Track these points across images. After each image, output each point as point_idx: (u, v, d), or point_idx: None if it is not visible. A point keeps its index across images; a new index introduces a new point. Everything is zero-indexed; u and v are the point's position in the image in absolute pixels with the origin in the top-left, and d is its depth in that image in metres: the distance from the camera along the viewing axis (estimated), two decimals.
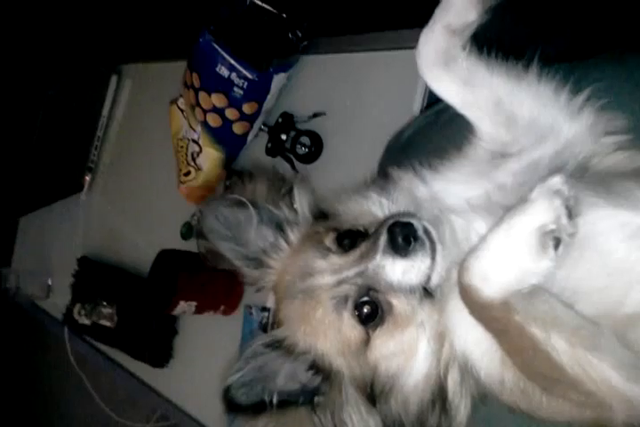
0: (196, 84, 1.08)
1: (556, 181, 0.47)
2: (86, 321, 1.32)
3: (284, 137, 1.09)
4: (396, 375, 0.57)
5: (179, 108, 1.27)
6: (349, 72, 1.06)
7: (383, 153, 0.78)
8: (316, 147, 1.04)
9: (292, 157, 1.07)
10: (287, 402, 0.58)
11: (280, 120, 1.10)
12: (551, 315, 0.48)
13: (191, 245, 1.27)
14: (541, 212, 0.46)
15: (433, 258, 0.55)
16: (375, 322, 0.57)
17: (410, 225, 0.55)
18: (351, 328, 0.57)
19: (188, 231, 1.29)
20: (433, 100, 0.92)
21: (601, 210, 0.52)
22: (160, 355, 1.24)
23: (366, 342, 0.57)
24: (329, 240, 0.60)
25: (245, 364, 0.58)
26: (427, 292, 0.56)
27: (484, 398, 0.56)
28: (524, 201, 0.47)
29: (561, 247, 0.46)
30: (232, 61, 1.01)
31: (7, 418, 2.18)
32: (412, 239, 0.54)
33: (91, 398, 1.71)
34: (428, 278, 0.55)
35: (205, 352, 1.22)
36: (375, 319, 0.57)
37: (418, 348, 0.57)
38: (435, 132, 0.71)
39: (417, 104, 0.94)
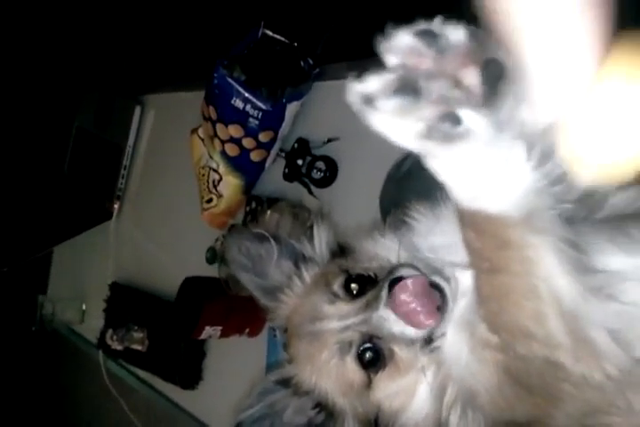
0: (213, 116, 1.12)
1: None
2: (119, 346, 1.36)
3: (300, 162, 1.12)
4: (398, 413, 0.59)
5: (199, 137, 1.31)
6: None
7: (383, 185, 0.80)
8: (331, 171, 1.07)
9: (308, 181, 1.10)
10: None
11: (296, 146, 1.13)
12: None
13: (216, 270, 1.31)
14: None
15: None
16: (377, 367, 0.59)
17: None
18: (354, 372, 0.59)
19: (213, 256, 1.33)
20: None
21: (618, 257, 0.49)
22: (190, 377, 1.27)
23: (368, 384, 0.59)
24: (337, 284, 0.61)
25: (257, 401, 0.62)
26: (429, 340, 0.57)
27: None
28: None
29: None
30: (246, 94, 1.06)
31: None
32: None
33: (128, 420, 1.75)
34: (429, 332, 0.56)
35: (233, 373, 1.25)
36: (377, 364, 0.59)
37: (418, 390, 0.58)
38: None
39: None
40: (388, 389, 0.59)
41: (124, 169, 1.67)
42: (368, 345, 0.58)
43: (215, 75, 1.06)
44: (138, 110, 1.67)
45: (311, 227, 0.67)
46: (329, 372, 0.60)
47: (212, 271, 1.31)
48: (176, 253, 1.47)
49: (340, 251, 0.66)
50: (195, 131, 1.34)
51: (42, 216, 1.75)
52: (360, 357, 0.58)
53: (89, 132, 1.82)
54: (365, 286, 0.60)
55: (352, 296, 0.60)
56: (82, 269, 1.83)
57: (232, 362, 1.23)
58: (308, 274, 0.65)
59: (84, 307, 1.77)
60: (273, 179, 1.21)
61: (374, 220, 0.69)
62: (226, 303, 1.11)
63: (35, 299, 1.82)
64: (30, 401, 2.26)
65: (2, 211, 1.70)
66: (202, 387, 1.31)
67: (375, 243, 0.63)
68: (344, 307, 0.60)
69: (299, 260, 0.66)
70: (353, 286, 0.61)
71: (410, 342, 0.56)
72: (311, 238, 0.67)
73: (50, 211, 1.76)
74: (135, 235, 1.63)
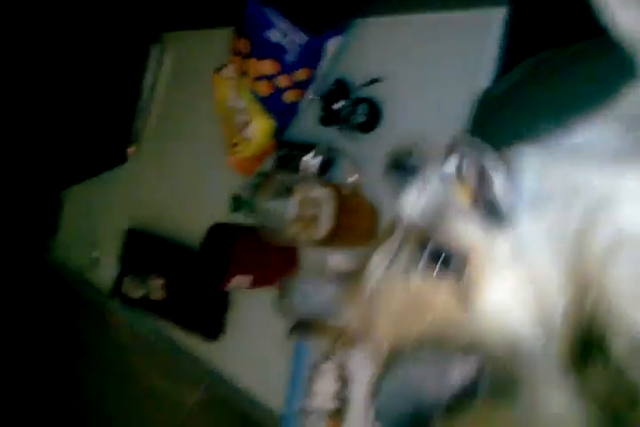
0: (245, 50, 1.03)
1: None
2: (136, 294, 1.31)
3: (338, 105, 1.04)
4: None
5: (224, 76, 1.22)
6: (410, 35, 1.00)
7: (470, 114, 0.70)
8: (374, 115, 0.99)
9: (347, 126, 1.02)
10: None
11: (334, 87, 1.05)
12: None
13: (239, 218, 1.25)
14: None
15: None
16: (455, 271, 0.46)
17: None
18: (432, 293, 0.46)
19: (237, 204, 1.26)
20: (503, 66, 0.86)
21: None
22: (212, 329, 1.22)
23: (461, 300, 0.45)
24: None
25: None
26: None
27: None
28: None
29: None
30: (283, 26, 0.96)
31: (52, 389, 2.23)
32: None
33: (137, 371, 1.72)
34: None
35: (258, 326, 1.20)
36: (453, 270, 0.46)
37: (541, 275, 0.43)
38: (536, 87, 0.58)
39: (485, 71, 0.88)
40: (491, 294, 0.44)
41: (141, 111, 1.58)
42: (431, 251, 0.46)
43: (249, 3, 0.97)
44: (156, 48, 1.57)
45: None
46: (407, 310, 0.47)
47: (235, 219, 1.25)
48: (196, 200, 1.40)
49: None
50: (219, 70, 1.24)
51: (53, 158, 1.67)
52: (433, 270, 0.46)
53: (103, 71, 1.72)
54: None
55: None
56: (95, 214, 1.76)
57: (258, 314, 1.18)
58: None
59: (95, 253, 1.71)
60: (307, 123, 1.13)
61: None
62: (257, 252, 1.05)
63: (45, 243, 1.77)
64: (33, 347, 2.24)
65: (14, 148, 1.63)
66: (223, 340, 1.27)
67: None
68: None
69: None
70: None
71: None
72: None
73: (61, 153, 1.69)
74: (152, 180, 1.56)
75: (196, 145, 1.44)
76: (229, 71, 1.19)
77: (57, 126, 1.74)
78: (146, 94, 1.57)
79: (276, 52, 0.99)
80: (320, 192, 0.89)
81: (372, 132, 1.01)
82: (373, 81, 1.00)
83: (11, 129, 1.65)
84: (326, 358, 1.03)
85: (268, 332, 1.17)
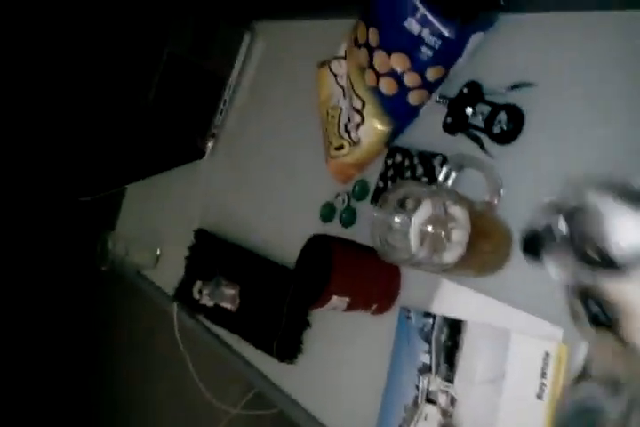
0: (374, 41, 0.90)
1: None
2: (209, 302, 1.19)
3: (469, 111, 0.90)
4: None
5: (331, 72, 1.11)
6: (563, 35, 0.86)
7: None
8: (516, 125, 0.86)
9: (481, 135, 0.89)
10: None
11: (465, 90, 0.92)
12: None
13: (330, 229, 1.13)
14: None
15: None
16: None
17: None
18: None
19: (329, 213, 1.14)
20: None
21: None
22: (288, 348, 1.10)
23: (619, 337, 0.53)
24: None
25: None
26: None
27: None
28: None
29: None
30: (427, 14, 0.83)
31: (101, 387, 2.14)
32: None
33: (190, 377, 1.61)
34: None
35: (341, 352, 1.07)
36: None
37: None
38: None
39: None
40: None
41: (224, 104, 1.47)
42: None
43: None
44: (247, 38, 1.46)
45: None
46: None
47: (325, 230, 1.12)
48: (280, 206, 1.28)
49: None
50: (325, 64, 1.13)
51: (125, 147, 1.57)
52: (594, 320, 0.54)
53: (184, 60, 1.62)
54: None
55: None
56: (159, 210, 1.66)
57: (343, 339, 1.05)
58: None
59: (158, 251, 1.61)
60: (425, 128, 1.00)
61: None
62: (357, 271, 0.92)
63: (104, 236, 1.67)
64: (85, 340, 2.16)
65: (83, 137, 1.54)
66: (297, 361, 1.14)
67: None
68: None
69: None
70: None
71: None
72: None
73: (134, 143, 1.59)
74: (230, 179, 1.44)
75: (284, 145, 1.32)
76: (339, 66, 1.07)
77: (130, 114, 1.64)
78: (231, 86, 1.46)
79: (409, 44, 0.86)
80: (454, 210, 0.76)
81: (508, 145, 0.88)
82: (521, 85, 0.86)
83: (83, 112, 1.57)
84: (427, 399, 0.90)
85: (355, 360, 1.04)
